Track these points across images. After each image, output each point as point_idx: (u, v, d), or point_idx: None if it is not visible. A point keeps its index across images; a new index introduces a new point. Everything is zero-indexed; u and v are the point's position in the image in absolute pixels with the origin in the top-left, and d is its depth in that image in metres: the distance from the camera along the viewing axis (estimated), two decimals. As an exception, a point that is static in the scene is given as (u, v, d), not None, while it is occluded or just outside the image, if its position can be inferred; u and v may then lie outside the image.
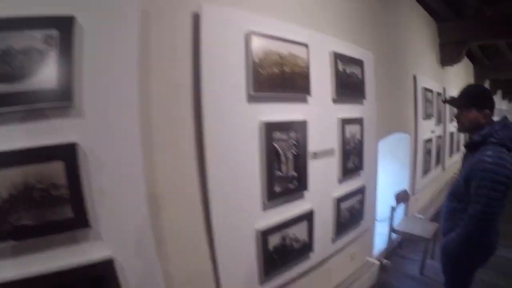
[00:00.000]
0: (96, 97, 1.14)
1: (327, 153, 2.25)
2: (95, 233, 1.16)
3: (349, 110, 2.47)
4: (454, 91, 5.49)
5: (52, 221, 1.06)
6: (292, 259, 2.02)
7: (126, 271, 1.24)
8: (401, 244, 3.94)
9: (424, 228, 3.44)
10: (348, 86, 2.41)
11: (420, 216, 4.26)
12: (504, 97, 16.31)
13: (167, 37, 1.38)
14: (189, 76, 1.46)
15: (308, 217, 2.09)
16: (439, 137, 5.16)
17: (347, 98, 2.43)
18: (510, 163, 1.58)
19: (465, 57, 6.87)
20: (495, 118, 1.79)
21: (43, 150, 1.04)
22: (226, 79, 1.56)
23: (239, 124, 1.64)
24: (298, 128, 1.94)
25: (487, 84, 9.17)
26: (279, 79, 1.79)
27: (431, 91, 4.62)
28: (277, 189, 1.83)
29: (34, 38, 1.02)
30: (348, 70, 2.39)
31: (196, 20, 1.46)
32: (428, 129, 4.58)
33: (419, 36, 4.38)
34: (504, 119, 1.80)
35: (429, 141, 4.61)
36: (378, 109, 2.95)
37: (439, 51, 5.32)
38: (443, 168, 5.68)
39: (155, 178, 1.35)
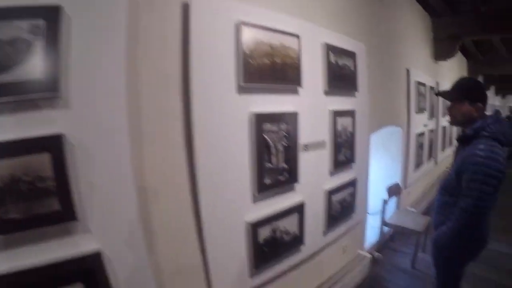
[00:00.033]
0: (83, 88, 1.12)
1: (318, 145, 2.24)
2: (83, 226, 1.14)
3: (341, 103, 2.45)
4: (447, 86, 5.49)
5: (39, 214, 1.04)
6: (282, 252, 2.02)
7: (115, 264, 1.22)
8: (393, 237, 3.96)
9: (416, 222, 3.46)
10: (340, 78, 2.40)
11: (412, 209, 4.28)
12: (497, 93, 16.43)
13: (156, 26, 1.35)
14: (178, 66, 1.44)
15: (298, 209, 2.08)
16: (431, 131, 5.19)
17: (339, 90, 2.41)
18: (502, 157, 1.58)
19: (459, 52, 6.89)
20: (488, 113, 1.79)
21: (29, 142, 1.02)
22: (216, 69, 1.54)
23: (228, 115, 1.62)
24: (289, 119, 1.93)
25: (480, 80, 9.21)
26: (270, 70, 1.77)
27: (424, 85, 4.64)
28: (267, 181, 1.82)
29: (20, 28, 1.00)
30: (340, 62, 2.37)
31: (185, 9, 1.43)
32: (421, 123, 4.60)
33: (413, 30, 4.37)
34: (497, 113, 1.80)
35: (421, 135, 4.63)
36: (371, 102, 2.94)
37: (433, 46, 5.32)
38: (436, 162, 5.72)
39: (144, 169, 1.34)
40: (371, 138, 3.08)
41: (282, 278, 2.11)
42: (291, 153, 1.96)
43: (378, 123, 3.30)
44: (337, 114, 2.37)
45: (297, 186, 2.07)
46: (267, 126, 1.78)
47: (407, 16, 4.14)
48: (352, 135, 2.59)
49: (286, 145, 1.91)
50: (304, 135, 2.08)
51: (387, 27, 3.48)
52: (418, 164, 4.67)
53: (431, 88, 5.04)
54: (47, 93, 1.04)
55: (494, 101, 15.04)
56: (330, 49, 2.27)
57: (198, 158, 1.49)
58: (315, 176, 2.25)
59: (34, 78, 1.01)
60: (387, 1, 3.47)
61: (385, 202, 3.50)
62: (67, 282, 1.13)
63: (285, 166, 1.92)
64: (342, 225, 2.66)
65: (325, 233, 2.43)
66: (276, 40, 1.80)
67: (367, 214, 3.26)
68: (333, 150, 2.38)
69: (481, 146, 1.60)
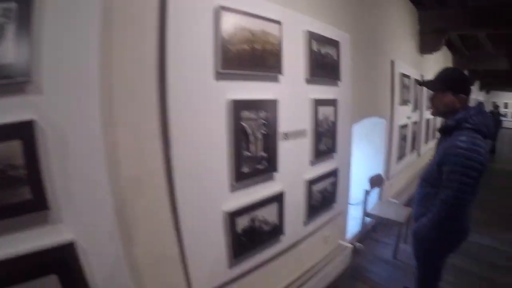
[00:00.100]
0: (56, 72, 1.07)
1: (299, 134, 2.21)
2: (56, 215, 1.10)
3: (323, 91, 2.42)
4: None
5: (11, 203, 1.00)
6: (262, 242, 2.00)
7: (89, 255, 1.19)
8: (375, 228, 4.01)
9: (397, 213, 3.50)
10: (323, 67, 2.36)
11: (394, 200, 4.33)
12: (481, 88, 16.73)
13: (132, 9, 1.29)
14: (154, 51, 1.38)
15: (278, 199, 2.06)
16: (415, 123, 5.23)
17: (321, 79, 2.38)
18: (484, 149, 1.57)
19: (445, 46, 6.95)
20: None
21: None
22: (193, 55, 1.49)
23: (205, 102, 1.57)
24: (268, 107, 1.89)
25: (465, 74, 9.34)
26: (249, 56, 1.73)
27: (408, 77, 4.66)
28: (245, 169, 1.79)
29: (-8, 11, 0.94)
30: (323, 51, 2.34)
31: (163, -8, 1.37)
32: (404, 115, 4.62)
33: (399, 22, 4.37)
34: (480, 104, 1.79)
35: (404, 126, 4.66)
36: (354, 92, 2.92)
37: (419, 39, 5.34)
38: (419, 154, 5.79)
39: (118, 157, 1.29)
40: (354, 128, 3.07)
41: (262, 268, 2.10)
42: (270, 141, 1.93)
43: (361, 114, 3.29)
44: (318, 103, 2.34)
45: (277, 175, 2.04)
46: (245, 113, 1.74)
47: (394, 8, 4.12)
48: (333, 124, 2.57)
49: (265, 133, 1.88)
50: (284, 124, 2.04)
51: (373, 18, 3.45)
52: (401, 156, 4.71)
53: (416, 80, 5.05)
54: (18, 78, 0.99)
55: (478, 96, 15.32)
56: (313, 37, 2.23)
57: (174, 146, 1.45)
58: (295, 165, 2.23)
59: (5, 63, 0.96)
60: (372, -9, 3.44)
61: (367, 193, 3.52)
62: (40, 274, 1.09)
63: (264, 154, 1.89)
64: (323, 215, 2.66)
65: (305, 223, 2.43)
66: (256, 26, 1.76)
67: (349, 204, 3.27)
68: (314, 140, 2.36)
69: (463, 138, 1.59)
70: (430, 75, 5.72)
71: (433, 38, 5.29)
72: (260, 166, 1.88)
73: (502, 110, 16.20)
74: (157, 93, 1.41)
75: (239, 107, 1.70)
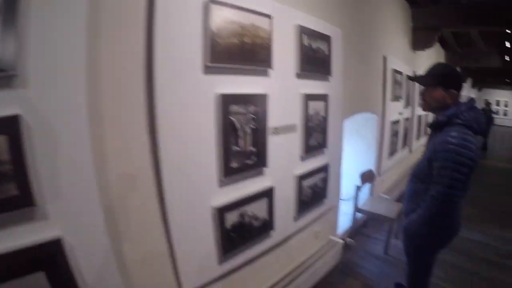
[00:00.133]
0: (42, 66, 1.05)
1: (289, 129, 2.20)
2: (42, 212, 1.09)
3: (314, 86, 2.41)
4: (424, 75, 5.56)
5: None
6: (251, 237, 1.99)
7: (76, 251, 1.17)
8: (366, 224, 4.03)
9: (389, 208, 3.51)
10: (314, 62, 2.35)
11: (386, 196, 4.35)
12: (474, 85, 16.87)
13: (119, 2, 1.27)
14: (141, 44, 1.35)
15: (268, 194, 2.05)
16: (407, 119, 5.26)
17: (312, 74, 2.37)
18: (475, 145, 1.56)
19: (437, 43, 6.98)
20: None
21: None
22: (181, 48, 1.47)
23: (193, 96, 1.55)
24: (258, 102, 1.87)
25: (457, 71, 9.40)
26: (239, 50, 1.70)
27: (401, 73, 4.67)
28: (234, 164, 1.77)
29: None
30: (314, 45, 2.32)
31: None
32: (396, 111, 4.63)
33: (392, 18, 4.36)
34: (471, 100, 1.78)
35: (396, 122, 4.67)
36: (345, 87, 2.91)
37: (411, 35, 5.35)
38: (410, 151, 5.83)
39: (105, 152, 1.27)
40: (345, 123, 3.06)
41: (252, 264, 2.09)
42: (259, 136, 1.91)
43: (352, 109, 3.28)
44: (309, 97, 2.33)
45: (266, 170, 2.03)
46: (234, 108, 1.72)
47: (387, 4, 4.12)
48: (324, 119, 2.56)
49: (255, 127, 1.86)
50: (274, 118, 2.03)
51: (365, 14, 3.44)
52: (392, 151, 4.73)
53: (408, 76, 5.08)
54: (3, 72, 0.96)
55: (469, 93, 15.44)
56: (304, 31, 2.21)
57: (162, 140, 1.43)
58: (285, 160, 2.22)
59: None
60: (366, -13, 3.43)
61: (358, 189, 3.53)
62: (27, 272, 1.07)
63: (253, 149, 1.87)
64: (314, 211, 2.65)
65: (296, 218, 2.42)
66: (246, 19, 1.73)
67: (340, 200, 3.28)
68: (304, 135, 2.35)
69: (454, 133, 1.58)
70: (422, 71, 5.75)
71: (426, 34, 5.31)
72: (249, 161, 1.86)
73: (493, 107, 16.38)
74: (144, 87, 1.38)
75: (227, 101, 1.68)
